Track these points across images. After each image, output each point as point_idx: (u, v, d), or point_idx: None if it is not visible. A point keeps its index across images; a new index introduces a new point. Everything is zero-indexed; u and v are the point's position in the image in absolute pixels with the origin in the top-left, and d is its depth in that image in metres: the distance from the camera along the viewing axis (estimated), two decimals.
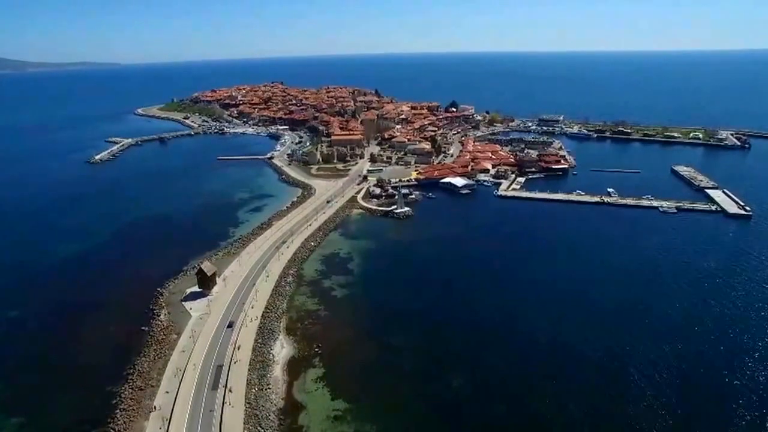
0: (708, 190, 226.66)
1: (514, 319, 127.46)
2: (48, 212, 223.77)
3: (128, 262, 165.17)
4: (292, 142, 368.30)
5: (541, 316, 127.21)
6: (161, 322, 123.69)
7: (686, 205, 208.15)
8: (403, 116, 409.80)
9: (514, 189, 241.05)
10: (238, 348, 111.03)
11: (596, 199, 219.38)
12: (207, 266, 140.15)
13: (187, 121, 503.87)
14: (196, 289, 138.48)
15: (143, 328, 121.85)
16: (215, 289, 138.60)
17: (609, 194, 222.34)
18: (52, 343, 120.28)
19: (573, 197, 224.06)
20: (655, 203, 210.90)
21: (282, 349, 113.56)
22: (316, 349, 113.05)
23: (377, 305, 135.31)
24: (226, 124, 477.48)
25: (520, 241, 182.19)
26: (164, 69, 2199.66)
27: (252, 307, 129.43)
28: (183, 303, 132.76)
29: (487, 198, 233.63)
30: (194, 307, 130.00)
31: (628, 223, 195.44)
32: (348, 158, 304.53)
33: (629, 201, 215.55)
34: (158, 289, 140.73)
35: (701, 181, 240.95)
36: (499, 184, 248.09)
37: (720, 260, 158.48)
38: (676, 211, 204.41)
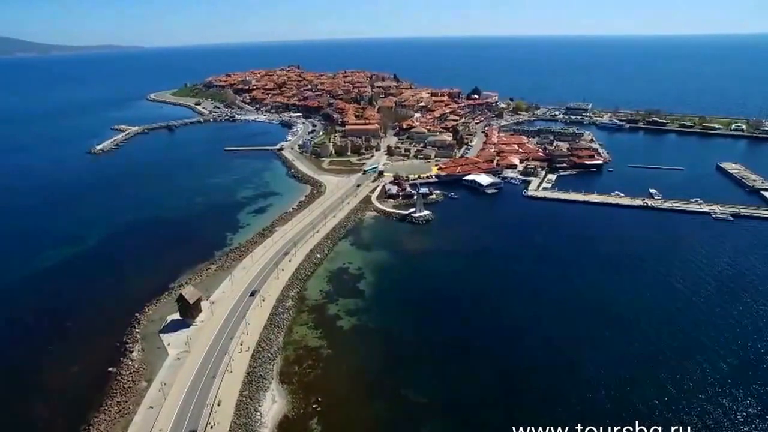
0: (765, 192, 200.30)
1: (558, 362, 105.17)
2: (30, 213, 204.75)
3: (108, 277, 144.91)
4: (305, 131, 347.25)
5: (594, 358, 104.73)
6: (132, 362, 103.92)
7: (743, 210, 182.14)
8: (422, 103, 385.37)
9: (544, 188, 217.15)
10: (218, 404, 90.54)
11: (638, 201, 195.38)
12: (189, 292, 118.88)
13: (198, 107, 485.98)
14: (178, 316, 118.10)
15: (110, 369, 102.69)
16: (200, 317, 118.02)
17: (652, 196, 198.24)
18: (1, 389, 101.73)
19: (612, 199, 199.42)
20: (706, 208, 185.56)
21: (273, 405, 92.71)
22: (315, 406, 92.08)
23: (390, 340, 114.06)
24: (238, 110, 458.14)
25: (559, 256, 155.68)
26: (186, 52, 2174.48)
27: (241, 342, 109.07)
28: (161, 335, 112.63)
29: (515, 199, 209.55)
30: (172, 343, 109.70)
31: (679, 232, 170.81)
32: (363, 150, 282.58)
33: (676, 205, 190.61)
34: (136, 314, 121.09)
35: (755, 181, 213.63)
36: (528, 182, 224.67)
37: None
38: (731, 218, 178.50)
